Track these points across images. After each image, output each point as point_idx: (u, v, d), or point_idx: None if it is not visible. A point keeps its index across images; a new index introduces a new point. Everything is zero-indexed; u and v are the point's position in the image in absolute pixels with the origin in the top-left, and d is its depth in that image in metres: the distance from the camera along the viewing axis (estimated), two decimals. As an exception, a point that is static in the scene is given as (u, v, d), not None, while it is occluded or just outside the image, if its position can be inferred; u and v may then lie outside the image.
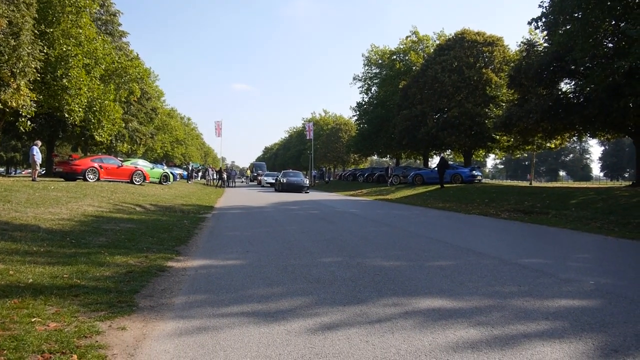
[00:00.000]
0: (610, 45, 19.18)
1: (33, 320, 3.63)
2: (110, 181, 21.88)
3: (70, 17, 23.10)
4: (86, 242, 7.28)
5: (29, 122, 21.70)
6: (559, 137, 27.02)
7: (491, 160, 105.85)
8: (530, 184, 43.84)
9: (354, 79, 52.46)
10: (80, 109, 24.62)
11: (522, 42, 26.79)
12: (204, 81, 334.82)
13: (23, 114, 20.48)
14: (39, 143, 21.33)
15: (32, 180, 18.64)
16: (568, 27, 19.46)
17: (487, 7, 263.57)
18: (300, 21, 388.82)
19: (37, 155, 19.92)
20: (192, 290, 4.94)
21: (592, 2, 16.89)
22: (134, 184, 22.90)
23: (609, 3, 16.74)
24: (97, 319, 3.80)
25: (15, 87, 18.17)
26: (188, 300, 4.53)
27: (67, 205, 11.35)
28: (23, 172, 65.42)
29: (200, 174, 51.56)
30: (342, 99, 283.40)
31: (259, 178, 48.07)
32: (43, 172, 32.35)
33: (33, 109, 20.64)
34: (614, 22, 18.12)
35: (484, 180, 36.13)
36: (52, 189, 14.82)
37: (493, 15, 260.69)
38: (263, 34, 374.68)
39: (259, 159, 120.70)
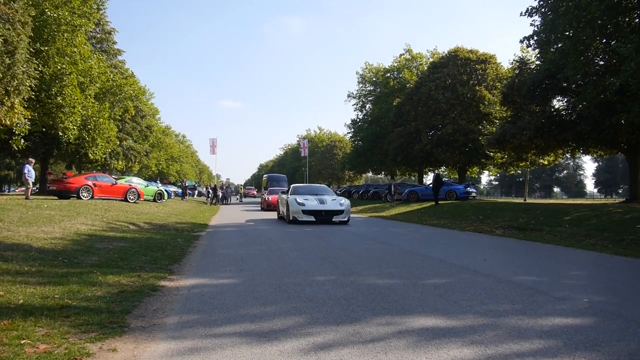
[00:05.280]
0: (602, 63, 19.45)
1: (22, 342, 3.58)
2: (104, 199, 21.80)
3: (65, 35, 23.23)
4: (78, 262, 7.22)
5: (22, 140, 21.67)
6: (552, 154, 27.26)
7: (486, 177, 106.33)
8: (525, 200, 43.93)
9: (349, 96, 52.87)
10: (74, 127, 24.66)
11: (514, 60, 27.15)
12: (198, 99, 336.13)
13: (17, 132, 20.44)
14: (32, 161, 21.26)
15: (26, 198, 18.55)
16: (560, 45, 19.73)
17: (480, 25, 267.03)
18: (290, 39, 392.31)
19: (30, 173, 19.85)
20: (184, 310, 4.90)
21: (583, 21, 17.16)
22: (128, 201, 22.80)
23: (599, 22, 17.01)
24: (88, 341, 3.75)
25: (9, 105, 18.15)
26: (180, 321, 4.49)
27: (60, 224, 11.29)
28: (17, 190, 65.14)
29: (196, 191, 51.51)
30: (336, 116, 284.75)
31: (266, 197, 29.05)
32: (37, 190, 32.21)
33: (27, 126, 20.61)
34: (604, 40, 18.41)
35: (478, 197, 36.23)
36: (45, 207, 14.75)
37: (486, 34, 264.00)
38: (252, 52, 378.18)
39: (254, 177, 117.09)
